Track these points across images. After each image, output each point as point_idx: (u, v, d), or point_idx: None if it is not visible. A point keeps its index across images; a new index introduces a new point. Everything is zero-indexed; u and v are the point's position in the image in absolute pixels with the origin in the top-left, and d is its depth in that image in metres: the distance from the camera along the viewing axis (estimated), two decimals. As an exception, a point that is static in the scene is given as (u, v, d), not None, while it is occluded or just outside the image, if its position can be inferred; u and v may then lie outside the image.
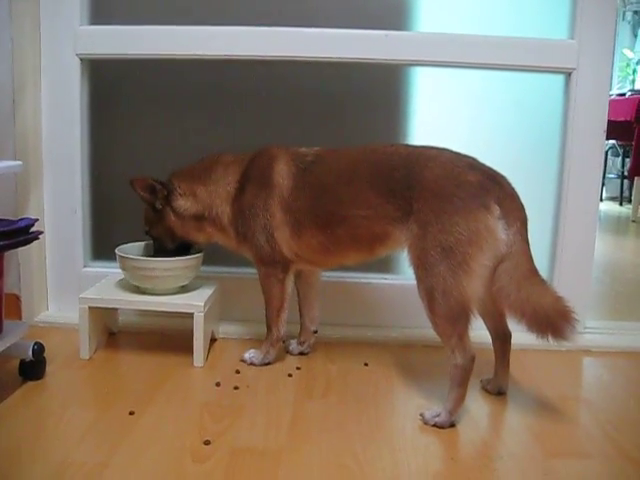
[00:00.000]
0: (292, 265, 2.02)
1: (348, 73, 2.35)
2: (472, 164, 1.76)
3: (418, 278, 1.73)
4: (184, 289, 2.14)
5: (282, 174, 1.96)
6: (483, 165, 1.77)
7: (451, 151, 1.81)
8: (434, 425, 1.69)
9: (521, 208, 1.73)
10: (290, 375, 2.00)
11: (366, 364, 2.10)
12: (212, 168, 2.07)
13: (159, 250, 2.15)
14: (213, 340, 2.22)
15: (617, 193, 6.80)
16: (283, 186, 1.95)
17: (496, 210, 1.66)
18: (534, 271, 1.71)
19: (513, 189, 1.75)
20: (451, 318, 1.67)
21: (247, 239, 2.01)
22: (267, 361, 2.07)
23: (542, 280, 1.72)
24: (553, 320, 1.64)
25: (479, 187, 1.69)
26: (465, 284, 1.64)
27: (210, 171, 2.06)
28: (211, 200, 2.05)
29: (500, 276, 1.66)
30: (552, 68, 2.30)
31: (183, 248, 2.15)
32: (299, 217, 1.93)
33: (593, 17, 2.24)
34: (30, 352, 1.86)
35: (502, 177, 1.75)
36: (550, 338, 1.64)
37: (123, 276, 2.16)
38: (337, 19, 2.28)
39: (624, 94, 6.34)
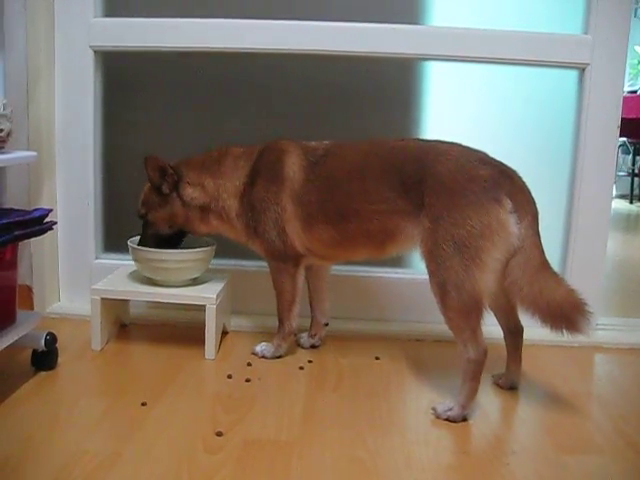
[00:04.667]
0: (303, 259, 2.02)
1: (359, 67, 2.35)
2: (483, 158, 1.76)
3: (430, 272, 1.73)
4: (196, 281, 2.15)
5: (293, 167, 1.96)
6: (494, 159, 1.77)
7: (462, 145, 1.81)
8: (446, 419, 1.69)
9: (532, 202, 1.73)
10: (301, 368, 2.01)
11: (377, 358, 2.10)
12: (221, 160, 2.06)
13: (150, 237, 2.10)
14: (225, 333, 2.22)
15: (627, 191, 6.77)
16: (294, 180, 1.95)
17: (508, 204, 1.66)
18: (546, 264, 1.71)
19: (524, 183, 1.75)
20: (464, 312, 1.67)
21: (258, 233, 2.01)
22: (278, 354, 2.07)
23: (554, 273, 1.72)
24: (567, 313, 1.64)
25: (491, 181, 1.69)
26: (477, 278, 1.64)
27: (219, 163, 2.06)
28: (218, 193, 2.04)
29: (512, 270, 1.66)
30: (566, 63, 2.29)
31: (176, 239, 2.13)
32: (310, 211, 1.93)
33: (608, 12, 2.24)
34: (42, 342, 1.86)
35: (513, 171, 1.75)
36: (564, 331, 1.65)
37: (135, 268, 2.17)
38: (348, 13, 2.28)
39: (635, 91, 6.31)
